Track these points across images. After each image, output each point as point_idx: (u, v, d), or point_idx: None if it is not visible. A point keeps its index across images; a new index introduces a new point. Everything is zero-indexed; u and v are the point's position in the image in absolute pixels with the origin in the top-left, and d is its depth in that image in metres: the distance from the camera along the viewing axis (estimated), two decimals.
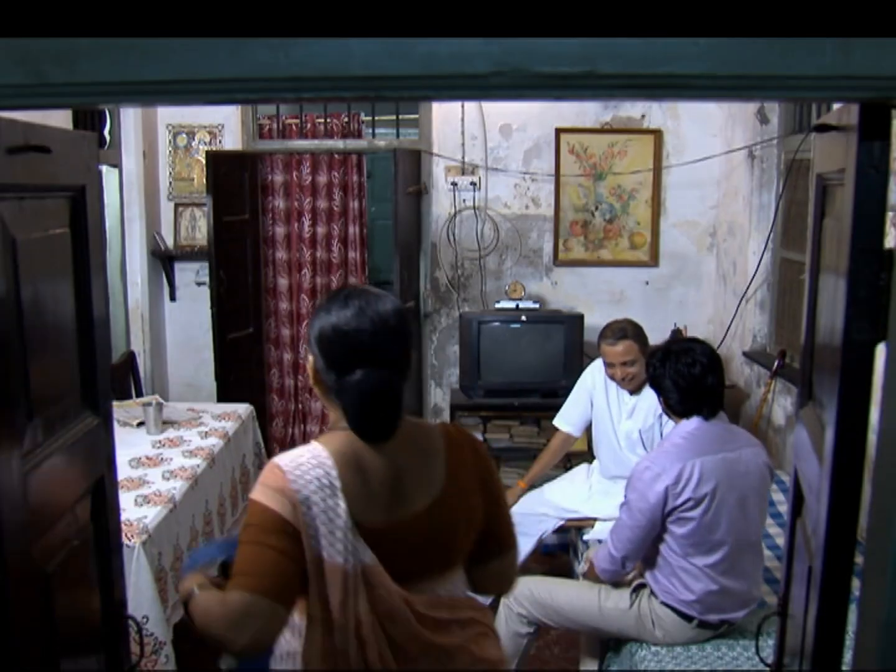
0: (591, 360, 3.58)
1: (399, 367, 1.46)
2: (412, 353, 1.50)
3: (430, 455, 1.50)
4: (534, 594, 2.69)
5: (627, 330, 3.17)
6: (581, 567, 3.07)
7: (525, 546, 3.42)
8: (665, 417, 3.04)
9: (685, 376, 2.40)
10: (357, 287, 1.52)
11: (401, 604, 1.42)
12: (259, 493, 1.40)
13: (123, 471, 2.85)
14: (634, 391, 3.27)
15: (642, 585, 2.55)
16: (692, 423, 2.44)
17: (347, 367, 1.42)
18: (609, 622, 2.57)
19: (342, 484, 1.39)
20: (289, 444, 5.25)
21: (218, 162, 4.72)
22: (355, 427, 1.43)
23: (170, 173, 5.16)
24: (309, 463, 1.41)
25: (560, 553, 3.98)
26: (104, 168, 4.75)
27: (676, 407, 2.45)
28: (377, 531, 1.41)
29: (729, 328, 4.72)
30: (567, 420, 3.54)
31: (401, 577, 1.43)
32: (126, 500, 2.65)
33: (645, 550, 2.49)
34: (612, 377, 3.25)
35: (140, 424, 3.56)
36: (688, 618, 2.45)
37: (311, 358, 1.49)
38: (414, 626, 1.44)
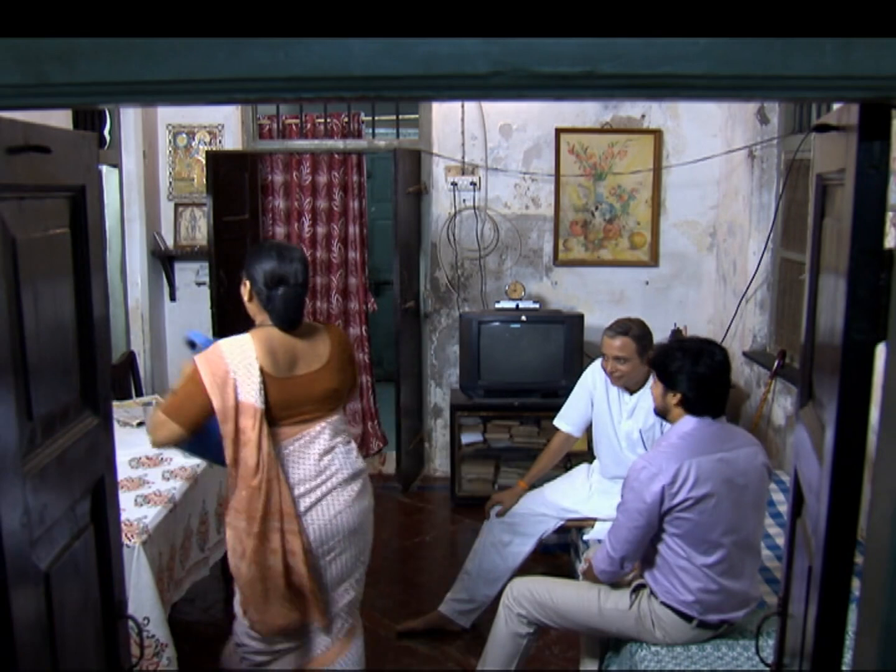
0: (592, 360, 3.58)
1: (303, 286, 2.44)
2: (309, 280, 2.57)
3: (318, 341, 2.49)
4: (534, 594, 2.69)
5: (631, 328, 3.19)
6: (581, 566, 3.07)
7: (525, 546, 3.42)
8: None
9: (707, 376, 2.41)
10: (273, 241, 2.59)
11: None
12: (200, 361, 2.32)
13: (123, 471, 2.85)
14: (633, 390, 3.27)
15: (642, 586, 2.55)
16: (689, 423, 2.44)
17: (274, 286, 2.40)
18: (609, 622, 2.57)
19: (256, 355, 2.34)
20: None
21: (218, 162, 4.72)
22: (277, 321, 2.41)
23: (170, 173, 5.16)
24: (238, 344, 2.36)
25: (560, 553, 3.98)
26: (104, 168, 4.75)
27: (694, 405, 2.44)
28: (279, 382, 2.37)
29: (729, 328, 4.73)
30: (567, 420, 3.54)
31: (302, 412, 2.40)
32: (126, 500, 2.65)
33: (643, 551, 2.49)
34: (604, 368, 3.29)
35: (140, 424, 3.56)
36: (687, 618, 2.45)
37: (247, 283, 2.46)
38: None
